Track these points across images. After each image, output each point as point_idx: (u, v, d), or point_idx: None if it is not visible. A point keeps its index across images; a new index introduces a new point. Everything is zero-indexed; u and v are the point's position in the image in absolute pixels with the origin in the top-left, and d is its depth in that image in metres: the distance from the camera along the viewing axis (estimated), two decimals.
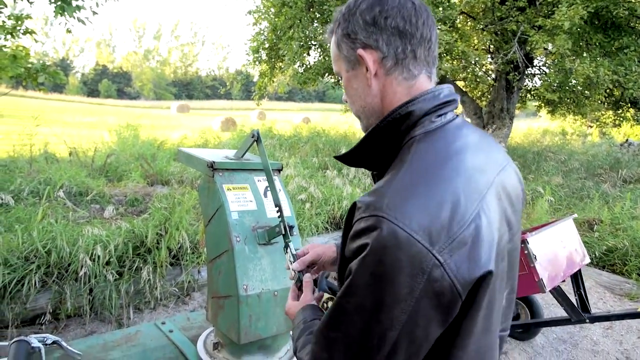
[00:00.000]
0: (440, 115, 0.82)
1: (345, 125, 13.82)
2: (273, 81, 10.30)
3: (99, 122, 17.33)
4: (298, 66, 9.05)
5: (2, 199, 4.13)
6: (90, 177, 6.15)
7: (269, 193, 2.07)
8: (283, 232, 1.65)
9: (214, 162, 2.01)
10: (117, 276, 3.54)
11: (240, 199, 2.00)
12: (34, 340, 1.78)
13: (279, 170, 2.24)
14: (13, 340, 1.64)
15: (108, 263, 3.44)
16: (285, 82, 11.32)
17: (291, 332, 1.24)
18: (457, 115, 0.88)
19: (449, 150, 0.77)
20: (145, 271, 3.57)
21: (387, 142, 0.82)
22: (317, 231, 5.05)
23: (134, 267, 3.60)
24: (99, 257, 3.28)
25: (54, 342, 1.90)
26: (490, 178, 0.78)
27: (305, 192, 5.69)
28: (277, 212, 1.67)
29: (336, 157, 0.90)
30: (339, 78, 0.92)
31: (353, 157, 0.87)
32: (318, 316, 0.98)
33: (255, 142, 2.08)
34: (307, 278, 1.13)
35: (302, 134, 11.74)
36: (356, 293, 0.68)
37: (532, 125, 20.43)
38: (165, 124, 21.28)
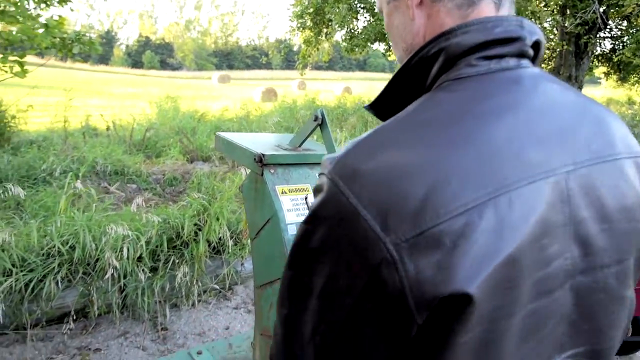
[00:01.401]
0: (489, 58, 0.57)
1: None
2: (318, 48, 9.63)
3: (143, 93, 17.21)
4: (346, 32, 8.34)
5: (32, 181, 3.76)
6: (128, 153, 5.78)
7: None
8: None
9: (263, 154, 1.46)
10: (150, 273, 3.12)
11: (300, 206, 1.45)
12: None
13: None
14: None
15: (140, 259, 3.01)
16: (329, 50, 10.63)
17: None
18: (533, 66, 0.61)
19: (474, 108, 0.53)
20: (182, 267, 3.13)
21: (414, 90, 0.62)
22: None
23: (170, 262, 3.16)
24: (128, 252, 2.85)
25: None
26: (553, 165, 0.53)
27: None
28: None
29: (366, 107, 0.69)
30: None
31: (383, 108, 0.66)
32: None
33: (319, 127, 1.52)
34: None
35: (347, 105, 11.10)
36: (290, 268, 0.55)
37: (593, 94, 18.83)
38: (207, 94, 21.06)
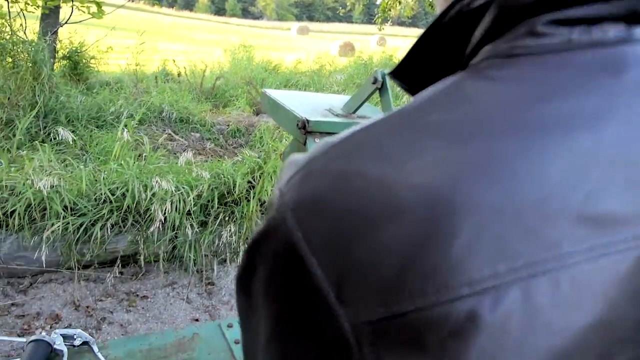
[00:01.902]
0: (570, 24, 0.32)
1: None
2: (400, 2, 9.02)
3: (223, 40, 17.37)
4: None
5: (101, 122, 3.81)
6: (196, 100, 5.76)
7: None
8: None
9: (307, 120, 1.23)
10: (200, 227, 3.07)
11: None
12: (59, 339, 1.39)
13: None
14: (30, 339, 1.29)
15: (190, 213, 2.95)
16: (413, 5, 9.97)
17: None
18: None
19: (526, 116, 0.30)
20: (232, 224, 3.05)
21: (449, 59, 0.39)
22: None
23: (219, 218, 3.09)
24: (178, 204, 2.79)
25: (84, 343, 1.47)
26: None
27: None
28: None
29: (390, 75, 0.44)
30: None
31: (410, 78, 0.42)
32: None
33: (378, 91, 1.26)
34: None
35: None
36: (237, 299, 0.39)
37: None
38: (284, 45, 20.94)
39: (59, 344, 1.32)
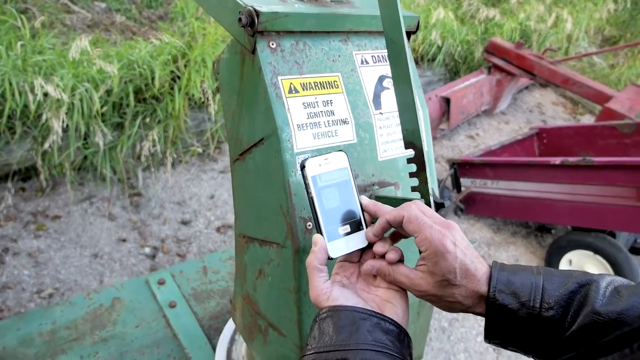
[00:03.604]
0: None
1: None
2: None
3: None
4: None
5: None
6: None
7: (387, 95, 0.90)
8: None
9: (255, 10, 0.73)
10: (115, 132, 2.51)
11: (321, 118, 0.79)
12: None
13: (411, 34, 0.95)
14: None
15: (102, 114, 2.36)
16: None
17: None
18: None
19: None
20: (155, 125, 2.51)
21: None
22: None
23: (139, 119, 2.53)
24: (81, 106, 2.18)
25: None
26: None
27: None
28: (415, 163, 0.74)
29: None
30: None
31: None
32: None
33: None
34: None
35: None
36: None
37: None
38: None
39: None
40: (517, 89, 4.92)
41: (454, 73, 4.76)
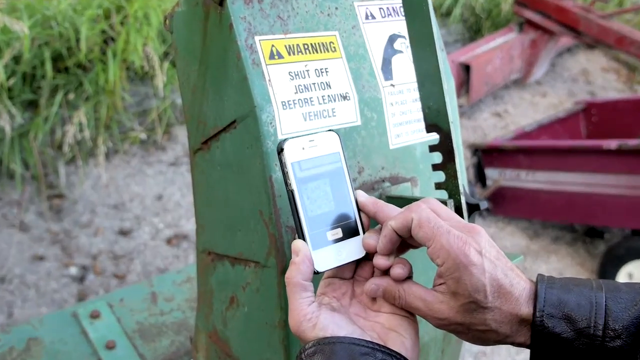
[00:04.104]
0: None
1: None
2: None
3: None
4: None
5: None
6: None
7: (401, 60, 0.91)
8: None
9: None
10: (27, 113, 2.48)
11: (313, 92, 0.81)
12: None
13: None
14: None
15: (8, 89, 2.33)
16: None
17: None
18: None
19: None
20: (81, 103, 2.49)
21: None
22: None
23: (59, 94, 2.50)
24: None
25: None
26: None
27: None
28: (440, 151, 0.75)
29: None
30: None
31: None
32: None
33: None
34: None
35: None
36: None
37: None
38: None
39: None
40: (557, 52, 4.98)
41: (474, 32, 4.79)
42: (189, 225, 2.73)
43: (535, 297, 0.58)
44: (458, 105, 4.08)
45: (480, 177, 3.20)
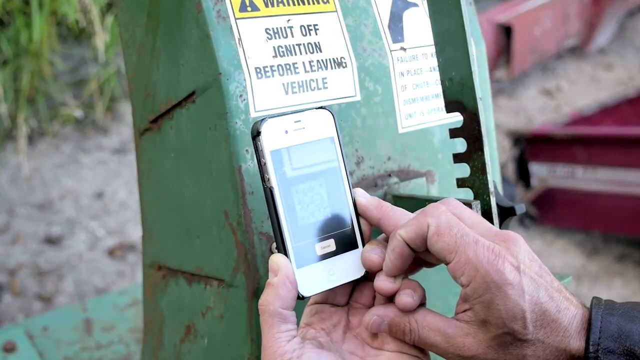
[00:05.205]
0: None
1: None
2: None
3: None
4: None
5: None
6: None
7: (414, 17, 0.95)
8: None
9: None
10: None
11: (297, 56, 0.85)
12: None
13: None
14: None
15: None
16: None
17: None
18: None
19: None
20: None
21: None
22: None
23: None
24: None
25: None
26: None
27: None
28: (464, 138, 0.76)
29: None
30: None
31: None
32: None
33: None
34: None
35: None
36: None
37: None
38: None
39: None
40: (626, 11, 5.01)
41: None
42: (138, 232, 2.75)
43: (589, 326, 0.59)
44: (495, 79, 4.12)
45: (522, 175, 3.24)
